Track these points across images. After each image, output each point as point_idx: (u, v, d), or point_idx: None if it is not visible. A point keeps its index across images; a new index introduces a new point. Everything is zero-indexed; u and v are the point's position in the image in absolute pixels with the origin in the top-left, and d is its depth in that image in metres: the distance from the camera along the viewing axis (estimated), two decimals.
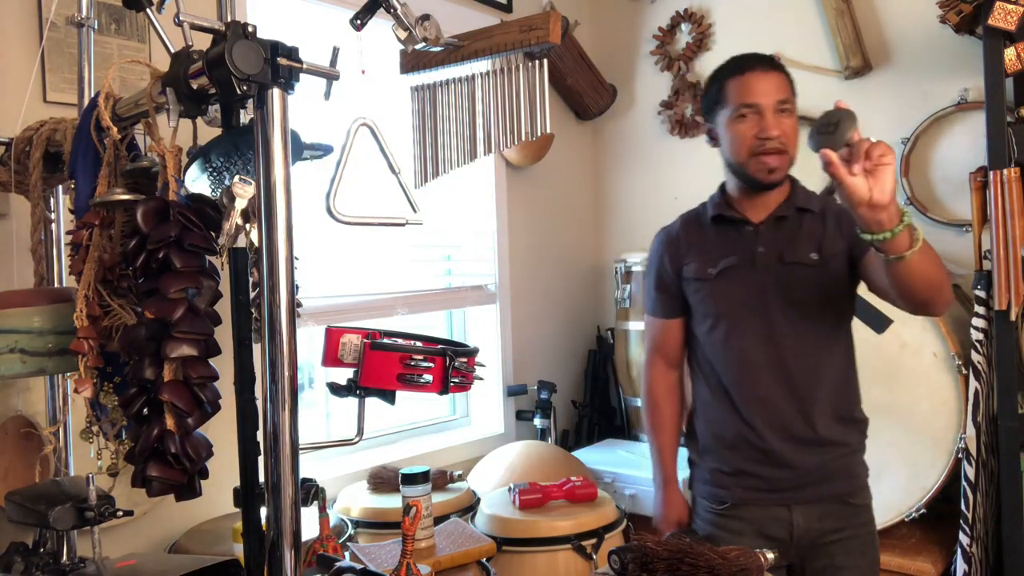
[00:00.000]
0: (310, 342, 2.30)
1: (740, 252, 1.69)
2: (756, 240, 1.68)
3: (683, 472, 1.86)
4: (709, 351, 1.73)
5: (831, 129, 1.23)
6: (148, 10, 1.12)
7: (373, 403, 1.34)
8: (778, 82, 1.63)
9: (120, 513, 1.31)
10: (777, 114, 1.61)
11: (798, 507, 1.66)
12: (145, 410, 1.06)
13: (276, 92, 0.94)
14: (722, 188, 1.78)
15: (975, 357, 2.14)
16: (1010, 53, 2.09)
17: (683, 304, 1.79)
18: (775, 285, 1.65)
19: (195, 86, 0.99)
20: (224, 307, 1.07)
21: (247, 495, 1.05)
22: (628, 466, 2.70)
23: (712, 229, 1.75)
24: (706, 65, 3.13)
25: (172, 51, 1.05)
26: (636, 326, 2.96)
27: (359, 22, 1.45)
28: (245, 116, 1.05)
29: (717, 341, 1.71)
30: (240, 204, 1.04)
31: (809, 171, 1.72)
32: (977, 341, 2.14)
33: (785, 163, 1.64)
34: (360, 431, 1.34)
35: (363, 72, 1.76)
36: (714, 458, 1.74)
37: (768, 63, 1.66)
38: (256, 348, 1.02)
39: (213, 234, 1.09)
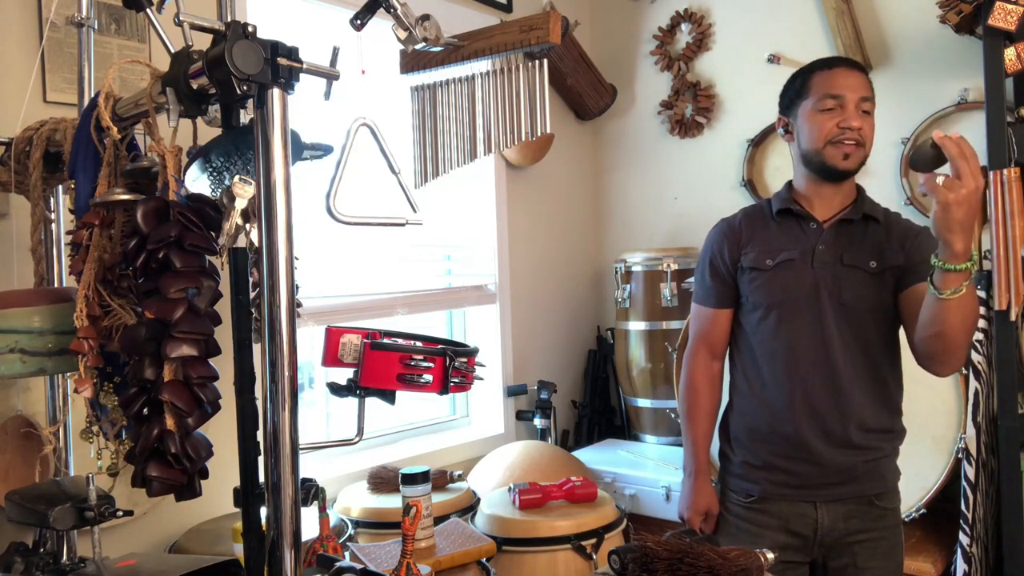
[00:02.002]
0: (310, 342, 2.30)
1: (800, 247, 1.70)
2: (818, 238, 1.70)
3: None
4: (755, 342, 1.74)
5: (926, 156, 1.41)
6: (148, 10, 1.12)
7: (373, 403, 1.34)
8: (863, 81, 1.67)
9: (120, 513, 1.31)
10: (858, 110, 1.64)
11: (824, 505, 1.67)
12: (145, 410, 1.06)
13: (276, 92, 0.94)
14: (789, 185, 1.80)
15: (975, 357, 2.14)
16: (1010, 53, 2.09)
17: (734, 295, 1.80)
18: (830, 285, 1.66)
19: (195, 86, 0.99)
20: (224, 307, 1.07)
21: (247, 495, 1.05)
22: (628, 466, 2.70)
23: (775, 222, 1.76)
24: (706, 65, 3.13)
25: (172, 51, 1.05)
26: (636, 326, 2.96)
27: (359, 22, 1.45)
28: (245, 116, 1.05)
29: (765, 332, 1.72)
30: (240, 204, 1.04)
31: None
32: (977, 341, 2.14)
33: (860, 156, 1.66)
34: (360, 431, 1.34)
35: (363, 72, 1.76)
36: (745, 451, 1.76)
37: (854, 64, 1.71)
38: (256, 348, 1.03)
39: (213, 234, 1.09)
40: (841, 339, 1.66)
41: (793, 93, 1.73)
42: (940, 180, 1.36)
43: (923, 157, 1.41)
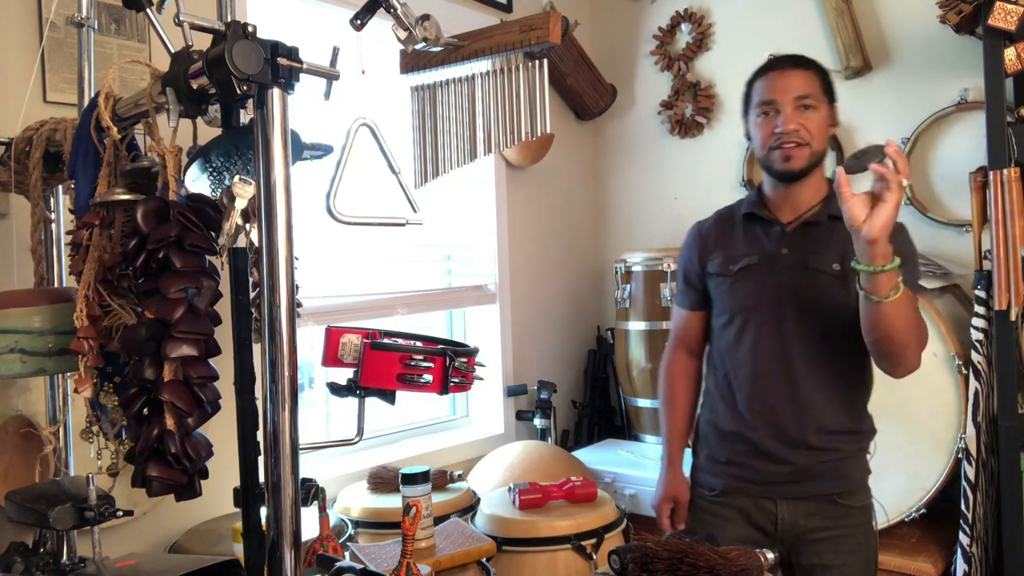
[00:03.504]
0: (310, 342, 2.30)
1: (763, 252, 1.71)
2: (782, 241, 1.70)
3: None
4: (721, 345, 1.77)
5: (860, 155, 1.42)
6: (148, 10, 1.12)
7: (373, 403, 1.34)
8: (801, 79, 1.66)
9: (120, 513, 1.31)
10: (798, 110, 1.64)
11: (784, 502, 1.68)
12: (145, 410, 1.06)
13: (276, 92, 0.94)
14: (759, 188, 1.81)
15: (975, 357, 2.14)
16: (1010, 53, 2.08)
17: (706, 299, 1.83)
18: (793, 289, 1.66)
19: (195, 86, 0.99)
20: (224, 307, 1.08)
21: (247, 495, 1.05)
22: (628, 466, 2.70)
23: (741, 226, 1.78)
24: (706, 65, 3.13)
25: (172, 51, 1.05)
26: (636, 326, 2.96)
27: (359, 22, 1.45)
28: (245, 116, 1.05)
29: (729, 337, 1.74)
30: (240, 204, 1.04)
31: None
32: (977, 341, 2.14)
33: (805, 154, 1.65)
34: (360, 431, 1.34)
35: (363, 72, 1.76)
36: (710, 447, 1.79)
37: (793, 62, 1.71)
38: (256, 348, 1.03)
39: (213, 234, 1.09)
40: (802, 344, 1.66)
41: (744, 102, 1.78)
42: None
43: (859, 166, 1.44)
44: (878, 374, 1.69)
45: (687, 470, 1.88)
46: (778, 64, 1.72)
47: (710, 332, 1.84)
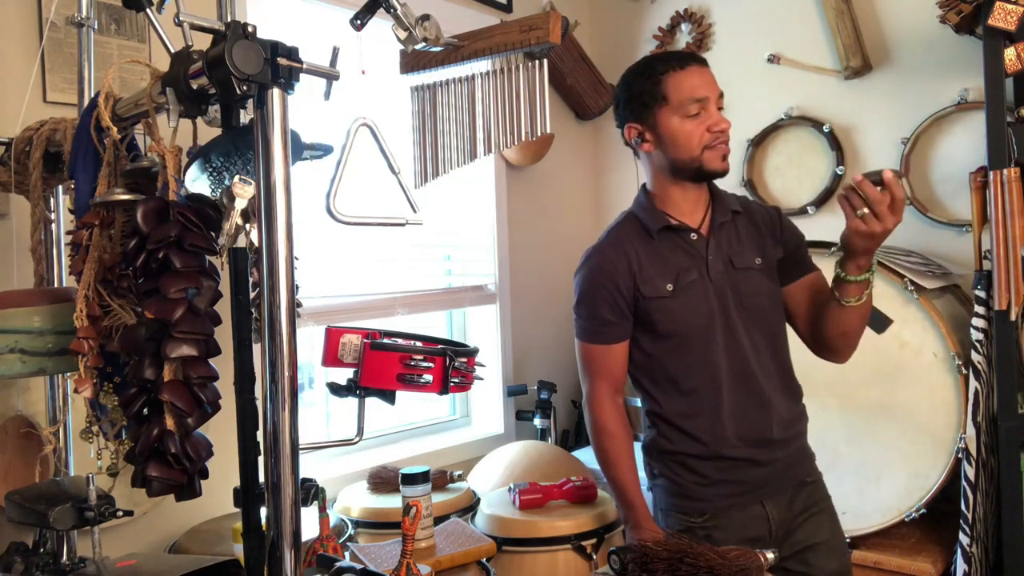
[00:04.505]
0: (310, 342, 2.30)
1: (694, 264, 1.66)
2: (704, 249, 1.66)
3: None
4: (672, 368, 1.67)
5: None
6: (148, 10, 1.12)
7: (373, 403, 1.34)
8: (713, 76, 1.64)
9: (120, 513, 1.31)
10: (718, 108, 1.63)
11: (770, 500, 1.67)
12: (145, 410, 1.06)
13: (276, 92, 0.94)
14: (647, 198, 1.72)
15: (975, 357, 2.14)
16: (1010, 53, 2.08)
17: (631, 324, 1.69)
18: (731, 294, 1.65)
19: (195, 86, 0.99)
20: (224, 307, 1.08)
21: (247, 495, 1.05)
22: None
23: (657, 242, 1.68)
24: None
25: (172, 51, 1.05)
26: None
27: (359, 22, 1.45)
28: (245, 116, 1.05)
29: (682, 357, 1.66)
30: (240, 204, 1.04)
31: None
32: (977, 341, 2.14)
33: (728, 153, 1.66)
34: (360, 431, 1.34)
35: (363, 72, 1.76)
36: (691, 472, 1.67)
37: (700, 58, 1.66)
38: (256, 348, 1.02)
39: (213, 234, 1.09)
40: (752, 345, 1.65)
41: (646, 98, 1.63)
42: (865, 211, 1.43)
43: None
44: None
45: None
46: (691, 59, 1.63)
47: (642, 359, 1.71)
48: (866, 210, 1.41)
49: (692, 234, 1.67)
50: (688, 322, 1.64)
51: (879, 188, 1.40)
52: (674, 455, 1.69)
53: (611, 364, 1.72)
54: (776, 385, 1.68)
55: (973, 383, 2.13)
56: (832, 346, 1.68)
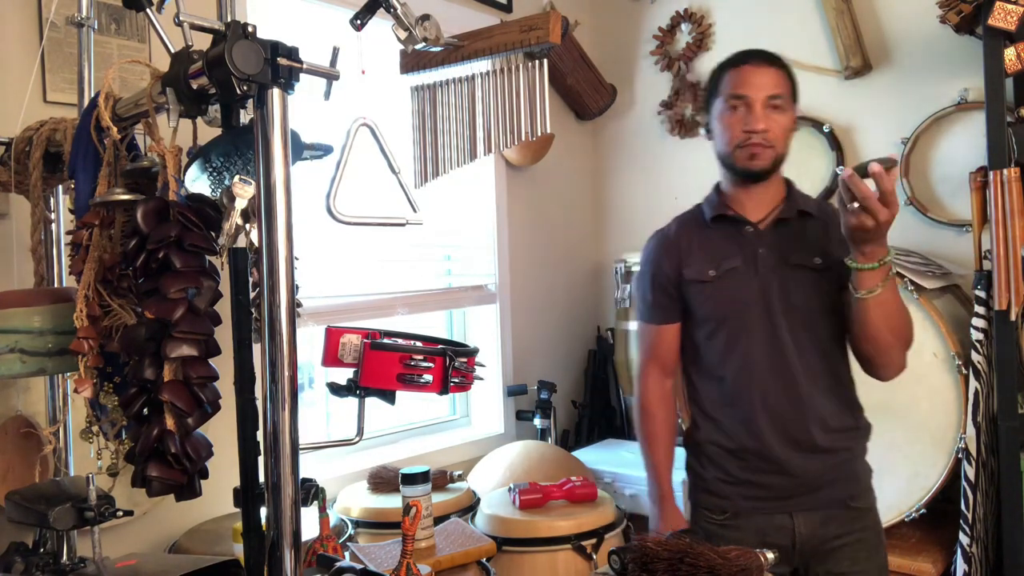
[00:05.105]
0: (310, 342, 2.30)
1: (742, 253, 1.67)
2: (758, 241, 1.67)
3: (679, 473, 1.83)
4: (709, 356, 1.70)
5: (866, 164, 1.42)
6: (148, 10, 1.12)
7: (373, 403, 1.34)
8: (774, 78, 1.62)
9: (120, 513, 1.31)
10: (767, 109, 1.60)
11: (800, 514, 1.64)
12: (145, 410, 1.06)
13: (276, 92, 0.94)
14: (717, 188, 1.76)
15: (975, 357, 2.14)
16: (1010, 53, 2.08)
17: (681, 308, 1.74)
18: (777, 288, 1.63)
19: (195, 86, 0.99)
20: (224, 307, 1.08)
21: (247, 495, 1.05)
22: (628, 466, 2.70)
23: (712, 230, 1.72)
24: (706, 65, 3.13)
25: (172, 51, 1.05)
26: (636, 326, 2.95)
27: (359, 22, 1.45)
28: (245, 116, 1.05)
29: (718, 345, 1.68)
30: (240, 204, 1.04)
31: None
32: (977, 341, 2.14)
33: (770, 156, 1.63)
34: (360, 431, 1.34)
35: (363, 72, 1.76)
36: (716, 467, 1.70)
37: (766, 58, 1.65)
38: (256, 348, 1.02)
39: (213, 234, 1.09)
40: (795, 343, 1.63)
41: (709, 92, 1.70)
42: (855, 206, 1.41)
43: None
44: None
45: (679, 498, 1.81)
46: (751, 58, 1.65)
47: (688, 346, 1.76)
48: (856, 204, 1.39)
49: (748, 227, 1.68)
50: (724, 309, 1.66)
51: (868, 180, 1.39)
52: (702, 446, 1.73)
53: (659, 345, 1.78)
54: (821, 388, 1.63)
55: (973, 383, 2.13)
56: (864, 355, 1.60)
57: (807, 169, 2.84)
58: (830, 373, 1.65)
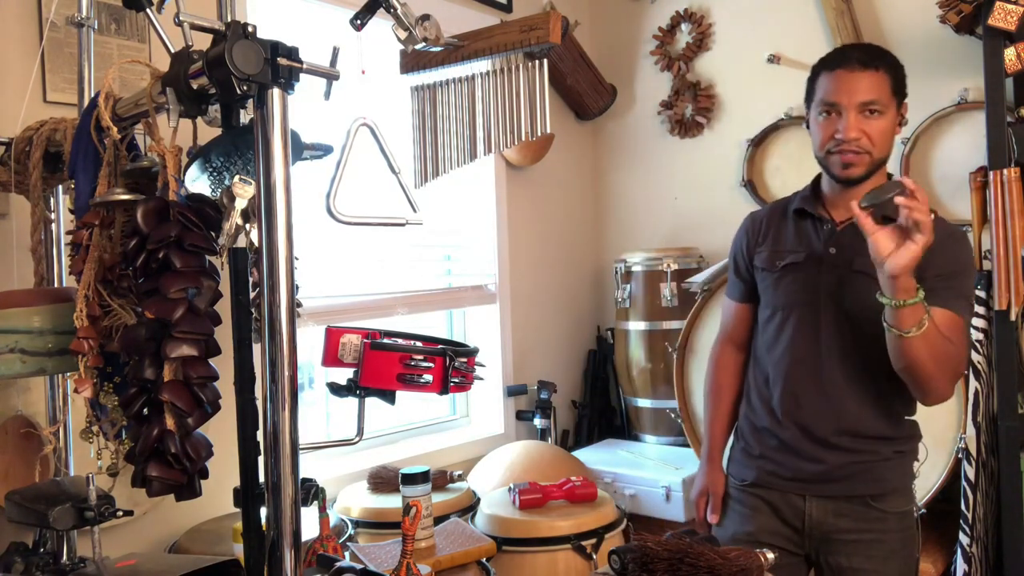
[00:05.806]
0: (310, 342, 2.30)
1: (809, 249, 1.68)
2: (830, 240, 1.66)
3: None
4: (763, 341, 1.76)
5: (877, 191, 1.40)
6: (148, 10, 1.12)
7: (373, 403, 1.34)
8: (869, 82, 1.56)
9: (120, 513, 1.31)
10: (862, 115, 1.56)
11: (814, 499, 1.66)
12: (145, 410, 1.06)
13: (276, 92, 0.94)
14: (816, 180, 1.75)
15: (975, 357, 2.14)
16: (1010, 53, 2.09)
17: (753, 291, 1.81)
18: (835, 290, 1.63)
19: (195, 86, 0.99)
20: (224, 307, 1.08)
21: (247, 495, 1.05)
22: (628, 466, 2.70)
23: (792, 221, 1.74)
24: (706, 65, 3.13)
25: (172, 51, 1.05)
26: (636, 326, 2.96)
27: (359, 22, 1.45)
28: (245, 116, 1.05)
29: (770, 332, 1.73)
30: (240, 204, 1.04)
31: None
32: (977, 341, 2.14)
33: (865, 162, 1.58)
34: (360, 431, 1.34)
35: (363, 72, 1.76)
36: (744, 441, 1.80)
37: (863, 60, 1.58)
38: (256, 348, 1.03)
39: (213, 234, 1.09)
40: (838, 345, 1.62)
41: (807, 91, 1.68)
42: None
43: (878, 203, 1.40)
44: None
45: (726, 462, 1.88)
46: (847, 61, 1.58)
47: (754, 326, 1.82)
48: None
49: (826, 224, 1.68)
50: (780, 301, 1.71)
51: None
52: (740, 421, 1.84)
53: (731, 319, 1.89)
54: (858, 396, 1.62)
55: (973, 383, 2.13)
56: (908, 380, 1.54)
57: (807, 169, 2.82)
58: (870, 380, 1.62)
